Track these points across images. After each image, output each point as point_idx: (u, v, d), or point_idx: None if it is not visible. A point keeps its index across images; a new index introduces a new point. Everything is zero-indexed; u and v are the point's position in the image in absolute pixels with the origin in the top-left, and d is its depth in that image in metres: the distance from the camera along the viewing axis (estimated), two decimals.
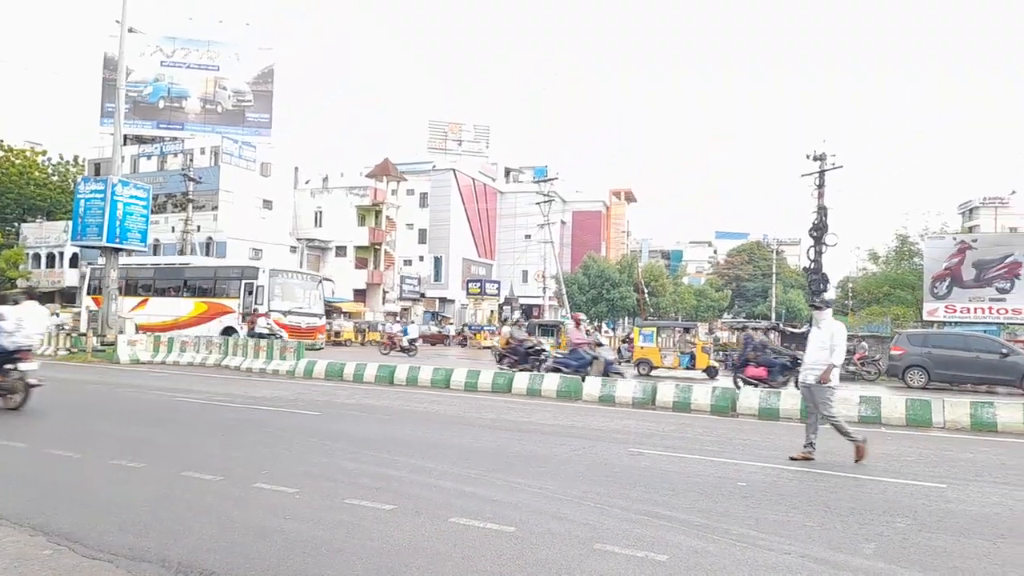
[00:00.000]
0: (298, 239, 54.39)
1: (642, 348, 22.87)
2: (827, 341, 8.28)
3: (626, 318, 52.39)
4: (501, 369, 18.23)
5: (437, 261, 59.92)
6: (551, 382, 14.68)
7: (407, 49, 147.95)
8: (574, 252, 65.88)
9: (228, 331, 24.13)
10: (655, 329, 23.45)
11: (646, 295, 54.95)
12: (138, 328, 25.31)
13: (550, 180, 49.53)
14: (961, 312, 24.99)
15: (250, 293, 24.18)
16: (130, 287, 27.49)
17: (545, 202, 45.09)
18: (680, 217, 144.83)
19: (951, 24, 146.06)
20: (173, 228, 46.70)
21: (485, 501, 6.01)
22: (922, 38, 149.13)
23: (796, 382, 11.88)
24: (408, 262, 58.81)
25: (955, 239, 27.37)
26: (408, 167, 60.00)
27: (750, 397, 12.58)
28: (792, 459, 8.29)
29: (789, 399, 12.35)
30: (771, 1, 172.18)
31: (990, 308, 24.44)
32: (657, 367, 22.36)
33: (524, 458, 8.11)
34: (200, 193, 44.77)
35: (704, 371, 22.02)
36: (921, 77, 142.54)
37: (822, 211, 28.37)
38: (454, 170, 62.20)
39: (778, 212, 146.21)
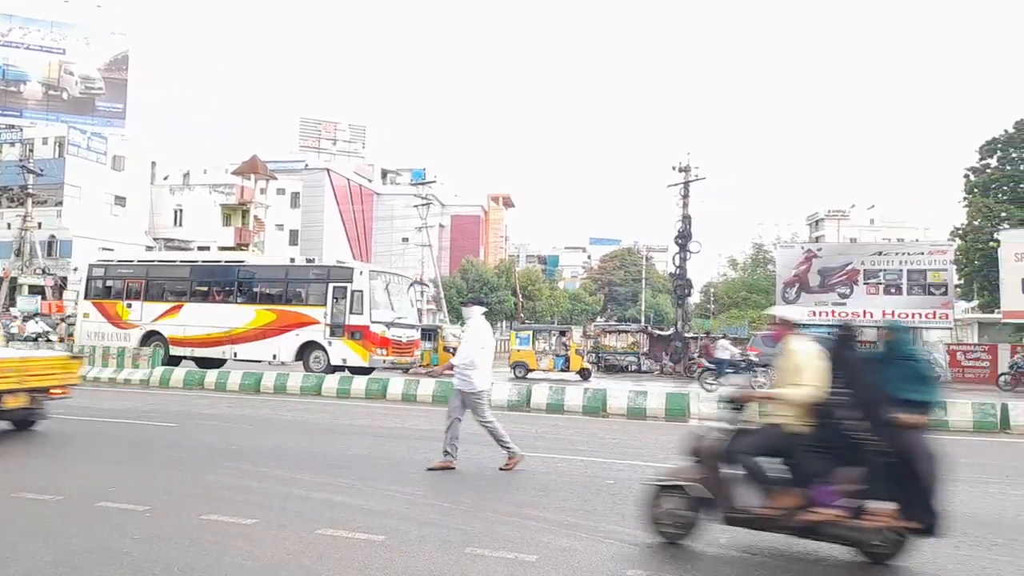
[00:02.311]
0: (155, 239, 50.95)
1: (518, 351, 23.22)
2: (482, 341, 7.71)
3: (503, 322, 52.99)
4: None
5: (309, 264, 58.03)
6: (427, 387, 14.55)
7: (278, 43, 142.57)
8: (452, 256, 65.89)
9: (309, 347, 19.38)
10: (531, 332, 23.87)
11: (524, 298, 55.79)
12: (169, 340, 20.68)
13: (428, 183, 49.27)
14: (808, 315, 27.13)
15: (341, 299, 19.29)
16: (153, 290, 21.84)
17: (423, 205, 44.81)
18: (557, 223, 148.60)
19: (803, 46, 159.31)
20: (9, 225, 42.40)
21: (355, 510, 5.84)
22: (778, 60, 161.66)
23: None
24: None
25: (803, 248, 29.73)
26: (279, 166, 57.74)
27: (618, 397, 13.03)
28: (430, 469, 7.55)
29: (655, 400, 12.90)
30: (643, 13, 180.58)
31: (833, 312, 26.67)
32: (533, 369, 22.76)
33: (397, 465, 7.97)
34: (41, 187, 40.92)
35: (578, 373, 22.66)
36: (777, 95, 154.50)
37: (687, 220, 30.05)
38: (328, 170, 60.55)
39: (649, 219, 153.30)
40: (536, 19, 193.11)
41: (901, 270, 26.07)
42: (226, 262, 23.16)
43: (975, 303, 35.03)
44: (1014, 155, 32.28)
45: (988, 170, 32.94)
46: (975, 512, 6.21)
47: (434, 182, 51.33)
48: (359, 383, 15.18)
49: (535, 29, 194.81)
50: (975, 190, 32.84)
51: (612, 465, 8.24)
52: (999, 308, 25.14)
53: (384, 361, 19.15)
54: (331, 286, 19.56)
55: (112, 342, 20.89)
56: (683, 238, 29.88)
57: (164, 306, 21.36)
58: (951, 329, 27.16)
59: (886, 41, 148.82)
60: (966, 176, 33.68)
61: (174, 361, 20.26)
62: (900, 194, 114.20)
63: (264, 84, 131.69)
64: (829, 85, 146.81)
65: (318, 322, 19.37)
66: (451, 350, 22.58)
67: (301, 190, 58.57)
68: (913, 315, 25.67)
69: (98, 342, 20.90)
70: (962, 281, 31.52)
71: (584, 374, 22.76)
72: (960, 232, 32.20)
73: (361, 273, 19.66)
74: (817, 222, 79.47)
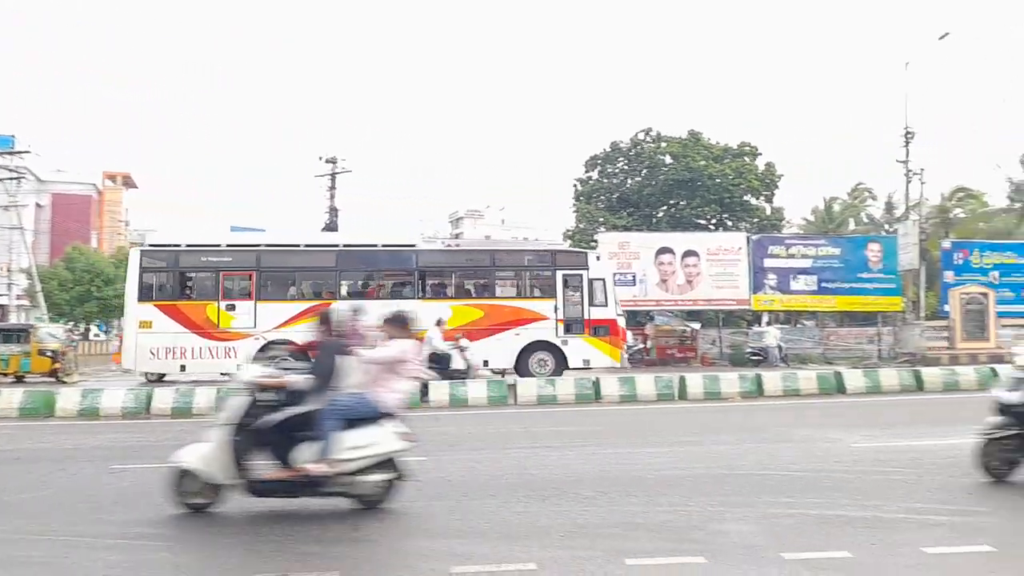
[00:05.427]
0: None
1: None
2: None
3: (121, 319, 46.75)
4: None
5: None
6: (10, 397, 11.97)
7: None
8: (55, 242, 55.77)
9: (530, 349, 16.14)
10: None
11: None
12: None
13: (19, 153, 40.92)
14: None
15: (575, 289, 16.47)
16: (273, 285, 16.75)
17: (12, 179, 37.18)
18: (190, 208, 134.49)
19: (451, 54, 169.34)
20: None
21: None
22: (425, 61, 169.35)
23: None
24: None
25: (444, 243, 31.64)
26: None
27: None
28: None
29: None
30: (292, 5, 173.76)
31: None
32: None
33: None
34: None
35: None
36: (422, 98, 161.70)
37: (334, 212, 29.91)
38: None
39: (296, 209, 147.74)
40: None
41: None
42: (389, 246, 17.62)
43: None
44: (609, 170, 38.71)
45: (591, 181, 38.89)
46: (573, 472, 7.18)
47: (27, 152, 42.88)
48: None
49: None
50: (581, 198, 38.55)
51: None
52: None
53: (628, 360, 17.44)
54: (560, 274, 16.79)
55: (198, 360, 15.61)
56: (330, 230, 29.67)
57: (296, 307, 16.23)
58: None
59: (522, 64, 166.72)
60: (575, 186, 39.35)
61: None
62: (528, 198, 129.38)
63: None
64: (473, 93, 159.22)
65: (545, 317, 16.46)
66: (48, 353, 18.97)
67: None
68: None
69: (170, 360, 15.61)
70: None
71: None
72: (570, 233, 37.43)
73: (598, 258, 17.46)
74: (457, 220, 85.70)
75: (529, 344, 16.55)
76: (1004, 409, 6.26)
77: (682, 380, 14.02)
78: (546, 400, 13.17)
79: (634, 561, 4.37)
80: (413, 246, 18.07)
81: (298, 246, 17.77)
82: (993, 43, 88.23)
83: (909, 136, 26.65)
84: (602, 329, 16.76)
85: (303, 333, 15.36)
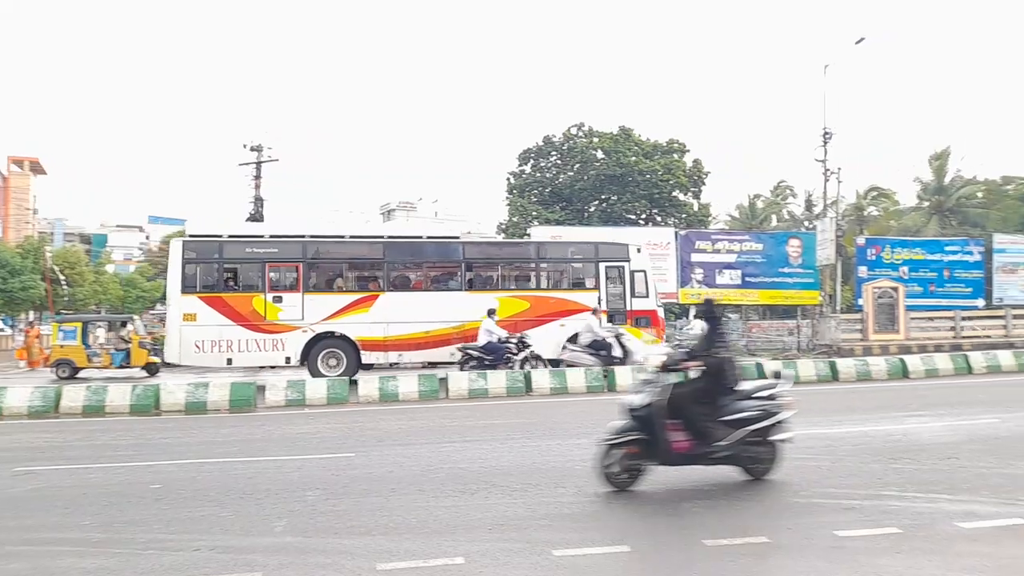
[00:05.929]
0: None
1: (62, 347, 19.48)
2: None
3: (31, 312, 44.23)
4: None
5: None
6: None
7: None
8: None
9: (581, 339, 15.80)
10: (80, 325, 20.28)
11: (64, 284, 47.33)
12: (360, 345, 15.54)
13: None
14: None
15: (617, 281, 16.89)
16: (320, 276, 16.37)
17: None
18: (106, 196, 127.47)
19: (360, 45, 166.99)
20: None
21: None
22: (359, 54, 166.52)
23: None
24: None
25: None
26: None
27: (175, 392, 11.86)
28: None
29: (218, 391, 12.09)
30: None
31: None
32: (84, 367, 19.41)
33: None
34: None
35: (144, 368, 20.02)
36: (354, 91, 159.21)
37: (259, 201, 29.04)
38: None
39: (219, 198, 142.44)
40: None
41: None
42: (434, 238, 17.48)
43: None
44: (542, 163, 38.91)
45: (524, 175, 38.98)
46: (503, 465, 7.18)
47: None
48: None
49: None
50: (514, 191, 38.61)
51: (160, 467, 7.42)
52: None
53: None
54: (603, 266, 17.06)
55: (244, 353, 15.17)
56: (255, 220, 28.80)
57: (345, 298, 16.01)
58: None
59: (455, 58, 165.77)
60: (508, 179, 39.39)
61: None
62: (461, 190, 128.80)
63: None
64: (405, 85, 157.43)
65: (589, 308, 16.42)
66: None
67: None
68: None
69: (216, 354, 14.99)
70: None
71: (151, 369, 20.19)
72: (504, 227, 37.46)
73: (639, 250, 17.46)
74: (389, 212, 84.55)
75: (574, 335, 16.46)
76: (630, 412, 6.06)
77: (611, 372, 14.24)
78: (477, 394, 13.14)
79: (561, 552, 4.41)
80: (458, 238, 18.22)
81: (343, 238, 17.37)
82: (906, 48, 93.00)
83: (827, 136, 27.72)
84: (643, 320, 17.15)
85: (352, 325, 15.82)
